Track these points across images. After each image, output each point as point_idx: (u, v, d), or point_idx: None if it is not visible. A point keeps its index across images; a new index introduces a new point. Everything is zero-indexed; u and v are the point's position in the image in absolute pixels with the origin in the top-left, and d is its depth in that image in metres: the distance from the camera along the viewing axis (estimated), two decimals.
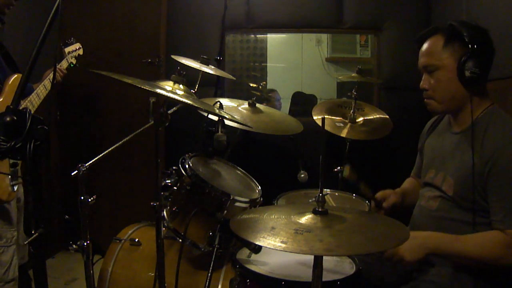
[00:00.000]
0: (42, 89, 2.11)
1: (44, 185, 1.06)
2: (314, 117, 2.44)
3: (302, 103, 4.07)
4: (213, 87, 2.82)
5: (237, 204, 1.63)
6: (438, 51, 1.49)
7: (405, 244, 1.39)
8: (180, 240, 1.60)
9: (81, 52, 2.61)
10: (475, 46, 1.41)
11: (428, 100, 1.56)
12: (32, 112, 1.02)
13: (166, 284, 1.37)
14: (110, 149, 1.56)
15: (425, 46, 1.54)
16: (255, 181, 1.93)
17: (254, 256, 1.48)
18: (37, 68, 1.11)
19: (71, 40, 2.58)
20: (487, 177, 1.39)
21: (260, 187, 1.87)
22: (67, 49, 2.52)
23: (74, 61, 2.53)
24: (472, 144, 1.43)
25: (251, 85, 4.05)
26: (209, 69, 2.14)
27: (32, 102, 2.05)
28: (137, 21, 3.19)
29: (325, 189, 1.12)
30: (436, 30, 1.52)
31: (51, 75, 2.17)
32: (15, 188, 1.88)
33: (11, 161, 1.85)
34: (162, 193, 1.38)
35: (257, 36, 4.42)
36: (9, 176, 1.84)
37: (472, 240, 1.40)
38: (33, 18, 2.70)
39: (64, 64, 2.44)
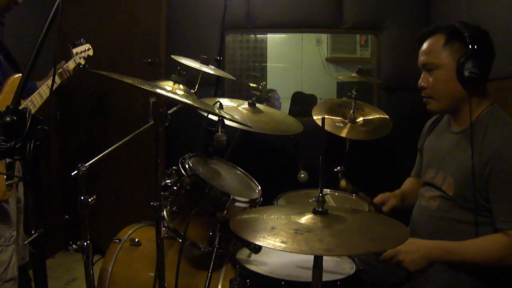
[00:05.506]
0: (45, 89, 2.10)
1: (44, 185, 1.06)
2: (314, 117, 2.44)
3: (302, 103, 4.06)
4: (213, 87, 2.82)
5: (237, 204, 1.63)
6: (438, 50, 1.50)
7: (408, 256, 1.42)
8: (180, 240, 1.60)
9: (91, 53, 2.57)
10: (475, 47, 1.42)
11: (427, 99, 1.57)
12: (33, 111, 1.02)
13: (166, 284, 1.37)
14: (110, 149, 1.56)
15: (425, 44, 1.55)
16: (255, 181, 1.92)
17: (254, 256, 1.48)
18: (38, 68, 1.11)
19: (80, 41, 2.54)
20: (488, 178, 1.39)
21: (260, 187, 1.87)
22: (75, 50, 2.48)
23: (82, 62, 2.50)
24: (471, 144, 1.44)
25: (251, 85, 4.06)
26: (209, 69, 2.14)
27: (34, 101, 2.04)
28: (137, 21, 3.19)
29: (325, 189, 1.12)
30: (437, 29, 1.53)
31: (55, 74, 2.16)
32: (10, 187, 1.88)
33: (7, 160, 1.85)
34: (162, 193, 1.38)
35: (257, 36, 4.42)
36: (4, 176, 1.84)
37: (474, 247, 1.41)
38: (34, 18, 2.70)
39: (70, 65, 2.41)
